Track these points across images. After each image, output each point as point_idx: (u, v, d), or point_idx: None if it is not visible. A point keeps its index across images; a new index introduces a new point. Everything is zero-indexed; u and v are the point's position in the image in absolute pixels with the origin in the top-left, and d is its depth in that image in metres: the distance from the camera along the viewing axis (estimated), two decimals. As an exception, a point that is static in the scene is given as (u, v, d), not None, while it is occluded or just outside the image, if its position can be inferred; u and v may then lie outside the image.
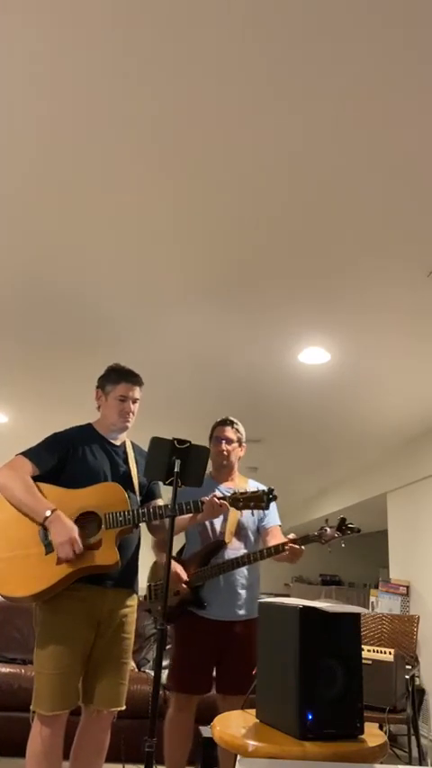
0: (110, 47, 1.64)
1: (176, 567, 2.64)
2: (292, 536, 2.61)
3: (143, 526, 2.43)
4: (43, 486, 2.27)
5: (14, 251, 2.67)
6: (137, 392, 2.48)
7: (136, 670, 3.97)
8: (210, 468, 2.58)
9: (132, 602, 2.38)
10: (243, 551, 2.71)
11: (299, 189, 2.17)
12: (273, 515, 2.85)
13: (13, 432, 5.76)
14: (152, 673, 3.85)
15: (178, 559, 2.77)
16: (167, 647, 3.15)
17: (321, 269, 2.67)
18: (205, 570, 2.67)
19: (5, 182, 2.22)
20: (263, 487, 2.88)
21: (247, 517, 2.81)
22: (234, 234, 2.47)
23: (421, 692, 4.43)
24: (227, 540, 2.73)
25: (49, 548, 2.18)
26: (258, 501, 2.37)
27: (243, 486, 2.84)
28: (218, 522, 2.77)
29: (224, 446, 2.84)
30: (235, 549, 2.73)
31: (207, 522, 2.75)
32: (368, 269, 2.65)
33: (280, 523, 2.87)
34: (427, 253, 2.50)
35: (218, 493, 2.42)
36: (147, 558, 2.72)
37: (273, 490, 2.42)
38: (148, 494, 2.51)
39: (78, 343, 3.61)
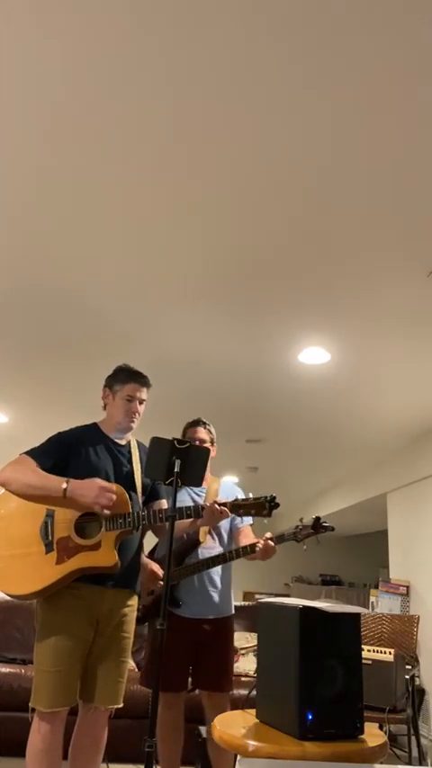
0: (118, 50, 1.65)
1: (152, 566, 2.65)
2: (268, 534, 2.61)
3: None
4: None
5: (15, 251, 2.67)
6: (144, 393, 2.50)
7: (135, 670, 3.97)
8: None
9: (133, 601, 2.39)
10: (218, 550, 2.74)
11: (299, 189, 2.17)
12: (240, 520, 2.84)
13: (13, 432, 5.76)
14: (152, 673, 3.85)
15: (152, 558, 2.78)
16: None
17: (321, 269, 2.67)
18: (180, 570, 2.69)
19: (6, 182, 2.22)
20: (238, 489, 2.90)
21: None
22: (234, 234, 2.47)
23: (421, 692, 4.43)
24: (201, 539, 2.74)
25: (49, 547, 2.21)
26: (260, 508, 2.37)
27: (214, 485, 2.87)
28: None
29: None
30: (209, 547, 2.75)
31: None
32: (368, 269, 2.65)
33: (251, 522, 2.87)
34: (428, 253, 2.50)
35: (219, 499, 2.42)
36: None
37: (274, 498, 2.40)
38: (152, 494, 2.52)
39: (78, 343, 3.61)
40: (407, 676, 3.70)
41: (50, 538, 2.22)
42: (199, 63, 1.68)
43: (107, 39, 1.63)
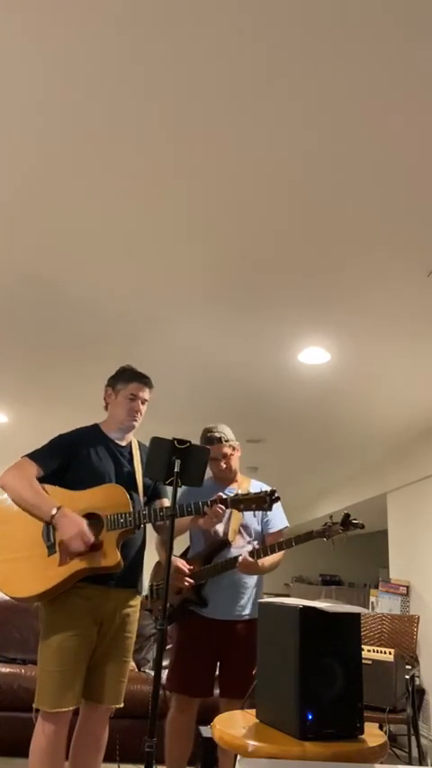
0: (114, 54, 1.65)
1: (178, 562, 2.66)
2: (250, 548, 2.63)
3: (149, 526, 2.44)
4: (48, 487, 2.30)
5: (15, 252, 2.67)
6: (147, 393, 2.51)
7: (136, 670, 3.97)
8: (209, 473, 2.59)
9: (135, 601, 2.39)
10: (247, 549, 2.70)
11: (299, 190, 2.17)
12: (276, 519, 2.84)
13: (13, 432, 5.76)
14: (152, 673, 3.85)
15: (184, 559, 2.77)
16: (168, 646, 3.15)
17: (321, 269, 2.67)
18: (207, 569, 2.68)
19: (8, 181, 2.22)
20: (266, 487, 2.89)
21: (250, 518, 2.80)
22: (235, 235, 2.47)
23: (421, 692, 4.43)
24: (230, 539, 2.73)
25: (51, 549, 2.21)
26: (260, 502, 2.38)
27: (245, 487, 2.84)
28: (222, 524, 2.76)
29: (223, 465, 2.83)
30: (239, 547, 2.72)
31: None
32: (368, 269, 2.65)
33: (285, 525, 2.85)
34: (428, 253, 2.50)
35: (221, 494, 2.41)
36: (151, 558, 2.72)
37: (275, 491, 2.41)
38: (154, 494, 2.52)
39: (79, 343, 3.60)
40: (407, 676, 3.70)
41: (52, 540, 2.22)
42: (207, 70, 1.68)
43: (111, 45, 1.63)
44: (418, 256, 2.53)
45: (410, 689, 3.70)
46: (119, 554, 2.21)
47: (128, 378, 2.50)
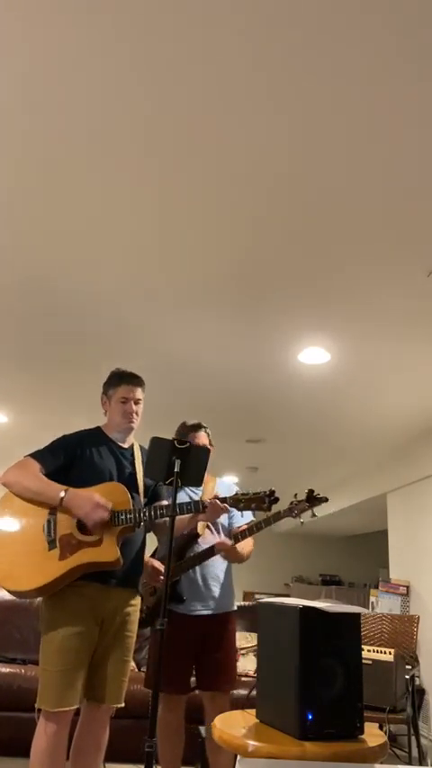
0: (115, 55, 1.65)
1: (153, 563, 2.67)
2: (218, 495, 2.58)
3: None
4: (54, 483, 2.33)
5: (14, 252, 2.67)
6: (138, 393, 2.52)
7: (136, 670, 3.97)
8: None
9: (136, 601, 2.40)
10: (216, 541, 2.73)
11: (299, 190, 2.17)
12: (238, 515, 2.83)
13: (14, 432, 5.76)
14: (152, 673, 3.84)
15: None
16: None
17: (321, 269, 2.67)
18: (180, 564, 2.69)
19: (7, 183, 2.22)
20: (235, 487, 2.90)
21: None
22: (234, 235, 2.47)
23: (421, 692, 4.43)
24: (200, 532, 2.74)
25: (52, 544, 2.23)
26: (260, 502, 2.39)
27: (211, 485, 2.87)
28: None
29: None
30: (208, 541, 2.74)
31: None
32: (368, 269, 2.65)
33: (251, 520, 2.84)
34: (427, 253, 2.50)
35: (219, 494, 2.43)
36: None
37: (274, 492, 2.42)
38: (154, 495, 2.54)
39: (79, 344, 3.60)
40: (407, 676, 3.69)
41: (53, 535, 2.24)
42: (198, 66, 1.68)
43: (100, 40, 1.63)
44: (418, 256, 2.53)
45: (410, 689, 3.70)
46: (118, 550, 2.23)
47: (116, 381, 2.53)
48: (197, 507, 2.34)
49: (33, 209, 2.37)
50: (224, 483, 2.99)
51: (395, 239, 2.42)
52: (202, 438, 2.88)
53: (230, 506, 2.40)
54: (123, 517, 2.25)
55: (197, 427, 2.90)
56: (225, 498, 2.39)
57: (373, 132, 1.89)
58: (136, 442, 2.58)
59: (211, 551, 2.67)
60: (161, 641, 1.94)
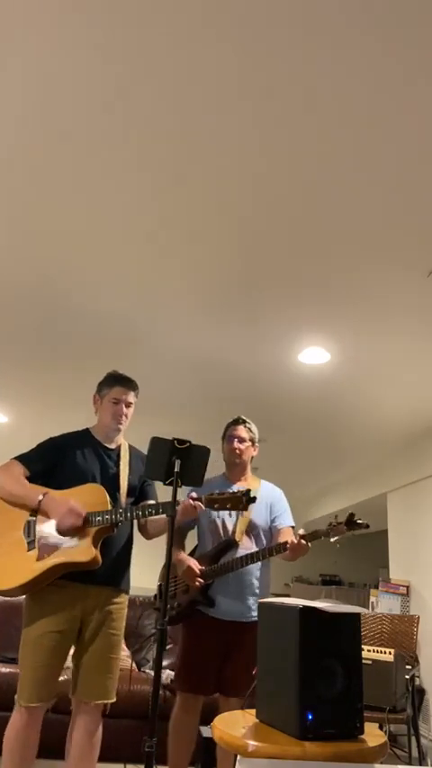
0: (111, 55, 1.65)
1: (191, 562, 2.68)
2: (301, 531, 2.61)
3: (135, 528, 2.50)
4: (34, 486, 2.38)
5: (15, 253, 2.67)
6: (131, 396, 2.56)
7: (136, 670, 3.97)
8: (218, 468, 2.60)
9: (120, 599, 2.43)
10: (254, 551, 2.70)
11: (299, 189, 2.17)
12: (284, 516, 2.86)
13: (13, 432, 5.76)
14: (152, 673, 3.85)
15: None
16: (169, 646, 3.15)
17: (321, 269, 2.67)
18: (215, 568, 2.68)
19: (7, 181, 2.22)
20: (278, 489, 2.89)
21: (258, 517, 2.81)
22: (234, 235, 2.47)
23: (421, 692, 4.43)
24: (237, 539, 2.73)
25: (31, 545, 2.30)
26: (236, 502, 2.38)
27: (255, 487, 2.85)
28: (230, 522, 2.78)
29: (236, 444, 2.87)
30: (245, 548, 2.73)
31: (219, 522, 2.78)
32: (368, 269, 2.65)
33: (292, 524, 2.85)
34: (428, 253, 2.50)
35: (193, 494, 2.40)
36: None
37: (249, 491, 2.41)
38: (141, 495, 2.56)
39: (79, 344, 3.61)
40: (407, 676, 3.69)
41: (33, 536, 2.31)
42: (200, 70, 1.68)
43: (95, 47, 1.62)
44: (418, 256, 2.53)
45: (410, 689, 3.70)
46: (94, 550, 2.27)
47: (111, 382, 2.56)
48: (165, 508, 2.32)
49: (34, 209, 2.37)
50: (267, 486, 2.95)
51: (395, 239, 2.42)
52: (239, 431, 2.88)
53: (205, 506, 2.37)
54: (100, 518, 2.29)
55: (236, 421, 2.92)
56: (199, 497, 2.37)
57: (373, 132, 1.89)
58: (125, 441, 2.61)
59: (251, 557, 2.64)
60: (161, 641, 1.93)
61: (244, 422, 2.91)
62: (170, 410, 4.75)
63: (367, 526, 2.57)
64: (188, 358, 3.75)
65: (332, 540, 2.59)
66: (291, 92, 1.76)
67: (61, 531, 2.28)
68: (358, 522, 2.56)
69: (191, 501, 2.35)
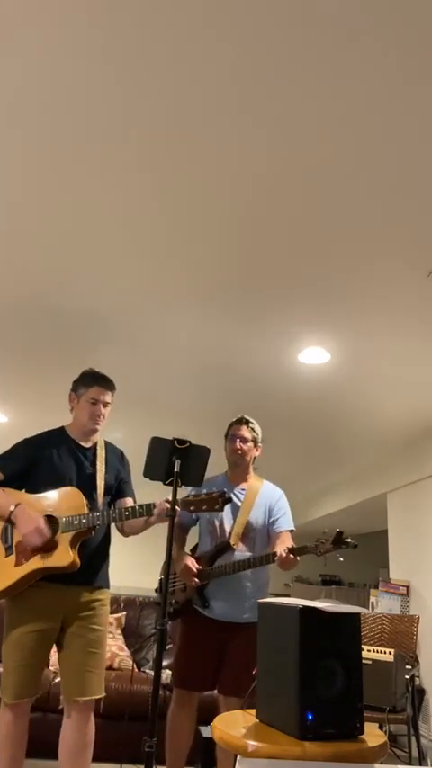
0: (108, 56, 1.65)
1: (189, 561, 2.70)
2: (289, 544, 2.60)
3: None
4: (8, 491, 2.40)
5: (14, 253, 2.67)
6: (108, 396, 2.55)
7: (136, 670, 3.97)
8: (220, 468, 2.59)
9: (102, 595, 2.44)
10: (247, 555, 2.71)
11: (299, 189, 2.17)
12: (283, 520, 2.84)
13: (13, 432, 5.75)
14: (152, 673, 3.85)
15: (191, 556, 2.81)
16: (169, 646, 3.16)
17: (321, 269, 2.67)
18: (209, 571, 2.70)
19: (7, 181, 2.22)
20: (279, 490, 2.89)
21: (257, 519, 2.80)
22: (234, 235, 2.47)
23: (421, 692, 4.43)
24: (232, 542, 2.74)
25: (9, 551, 2.32)
26: (212, 504, 2.37)
27: (257, 487, 2.85)
28: (228, 524, 2.77)
29: (239, 444, 2.86)
30: (240, 552, 2.73)
31: (217, 524, 2.79)
32: (368, 269, 2.65)
33: (291, 528, 2.83)
34: (428, 253, 2.50)
35: (169, 497, 2.39)
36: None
37: (224, 492, 2.41)
38: (118, 493, 2.57)
39: (79, 343, 3.60)
40: (407, 676, 3.69)
41: (10, 542, 2.32)
42: (197, 69, 1.68)
43: (93, 49, 1.63)
44: (418, 256, 2.53)
45: (410, 689, 3.70)
46: (72, 554, 2.28)
47: (89, 382, 2.55)
48: (149, 510, 2.33)
49: (34, 209, 2.37)
50: (268, 487, 2.94)
51: (395, 239, 2.42)
52: (242, 431, 2.86)
53: (180, 509, 2.35)
54: (77, 522, 2.30)
55: (239, 421, 2.91)
56: (175, 501, 2.36)
57: (373, 132, 1.89)
58: (101, 438, 2.61)
59: (244, 564, 2.64)
60: (161, 641, 1.94)
61: (247, 422, 2.90)
62: (169, 410, 4.75)
63: (355, 546, 2.55)
64: (188, 358, 3.75)
65: (320, 555, 2.58)
66: (291, 92, 1.75)
67: (24, 548, 2.29)
68: (346, 540, 2.55)
69: (167, 506, 2.29)
